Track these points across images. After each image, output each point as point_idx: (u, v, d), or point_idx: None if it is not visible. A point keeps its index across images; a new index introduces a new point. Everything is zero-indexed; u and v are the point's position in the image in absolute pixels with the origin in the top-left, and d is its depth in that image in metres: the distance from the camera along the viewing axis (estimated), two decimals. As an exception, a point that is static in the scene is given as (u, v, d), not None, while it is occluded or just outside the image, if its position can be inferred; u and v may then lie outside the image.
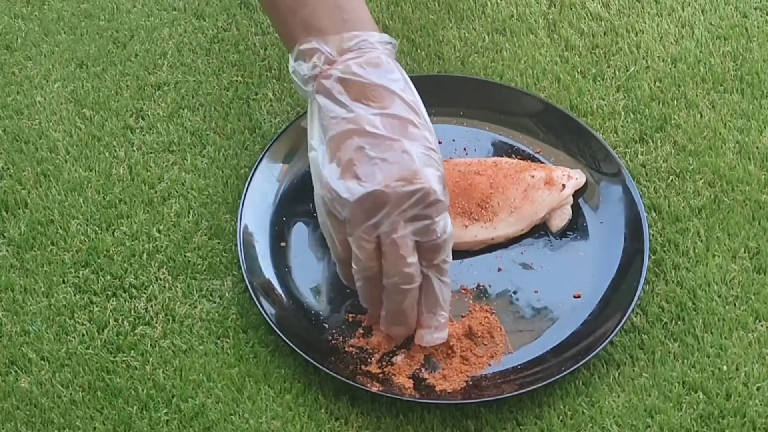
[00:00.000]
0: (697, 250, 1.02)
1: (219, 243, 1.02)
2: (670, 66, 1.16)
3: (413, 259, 0.89)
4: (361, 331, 0.96)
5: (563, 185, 1.03)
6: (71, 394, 0.92)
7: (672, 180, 1.07)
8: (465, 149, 1.08)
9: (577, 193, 1.05)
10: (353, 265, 0.91)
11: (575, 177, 1.04)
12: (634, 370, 0.95)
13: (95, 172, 1.07)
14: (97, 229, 1.03)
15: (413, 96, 0.93)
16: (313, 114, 0.94)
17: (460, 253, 1.01)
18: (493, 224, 1.01)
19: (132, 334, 0.96)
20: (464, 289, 0.99)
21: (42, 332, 0.96)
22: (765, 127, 1.11)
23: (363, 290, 0.93)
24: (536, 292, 0.99)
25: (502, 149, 1.08)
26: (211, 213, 1.04)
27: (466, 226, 1.00)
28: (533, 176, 1.02)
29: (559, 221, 1.03)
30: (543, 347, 0.96)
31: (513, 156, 1.08)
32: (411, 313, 0.92)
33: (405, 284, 0.89)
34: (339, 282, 0.99)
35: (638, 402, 0.93)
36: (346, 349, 0.95)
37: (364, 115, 0.90)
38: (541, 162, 1.07)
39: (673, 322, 0.98)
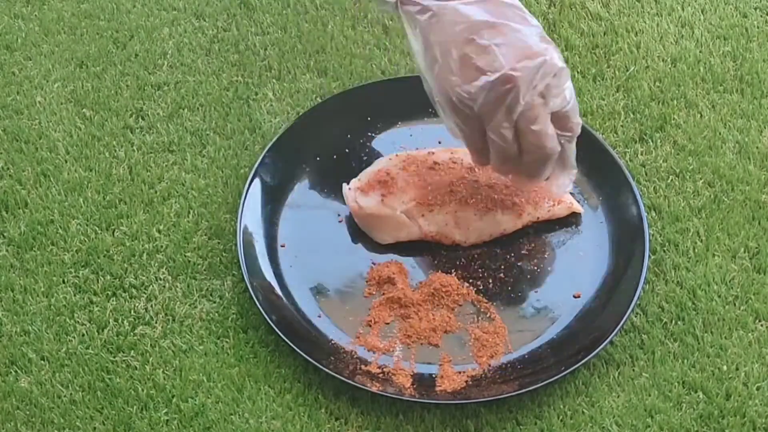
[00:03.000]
0: (697, 250, 1.02)
1: (219, 243, 1.02)
2: (670, 66, 1.16)
3: (552, 132, 0.91)
4: (361, 331, 0.96)
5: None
6: (71, 394, 0.92)
7: (672, 180, 1.07)
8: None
9: (579, 190, 1.05)
10: (493, 152, 0.93)
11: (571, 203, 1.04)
12: (634, 370, 0.95)
13: (95, 172, 1.07)
14: (97, 229, 1.03)
15: None
16: (406, 29, 0.93)
17: (461, 253, 1.01)
18: (502, 217, 1.01)
19: (132, 334, 0.96)
20: (467, 288, 0.99)
21: (42, 332, 0.96)
22: (765, 127, 1.11)
23: (501, 167, 0.95)
24: (536, 292, 0.99)
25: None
26: (211, 213, 1.04)
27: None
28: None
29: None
30: (543, 347, 0.96)
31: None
32: (548, 173, 0.96)
33: (547, 157, 0.92)
34: (339, 282, 0.99)
35: (638, 402, 0.93)
36: (346, 349, 0.95)
37: (458, 6, 0.89)
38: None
39: (673, 322, 0.98)
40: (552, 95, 0.90)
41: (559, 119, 0.92)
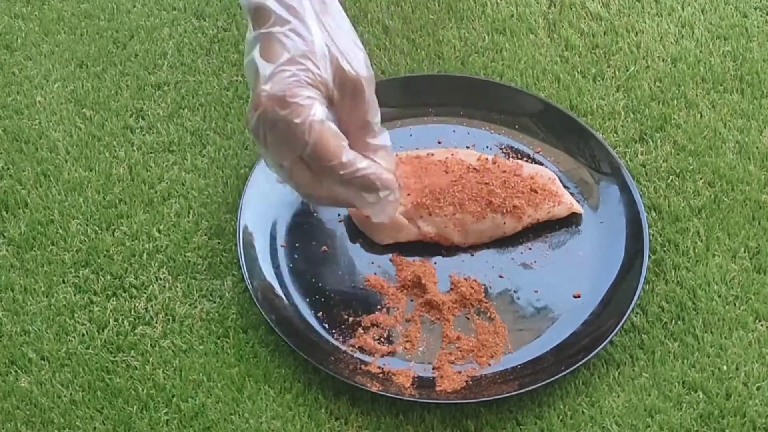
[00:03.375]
0: (697, 250, 1.02)
1: (219, 243, 1.02)
2: (670, 66, 1.16)
3: (308, 174, 0.90)
4: (361, 331, 0.96)
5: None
6: (71, 394, 0.92)
7: (672, 180, 1.07)
8: (467, 148, 1.08)
9: (579, 190, 1.05)
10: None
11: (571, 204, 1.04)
12: (634, 370, 0.95)
13: (95, 172, 1.07)
14: (97, 229, 1.03)
15: None
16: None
17: (461, 252, 1.01)
18: (504, 220, 1.01)
19: (132, 334, 0.96)
20: (471, 287, 0.99)
21: (42, 332, 0.96)
22: (765, 127, 1.11)
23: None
24: (536, 292, 0.99)
25: (502, 149, 1.08)
26: (211, 213, 1.04)
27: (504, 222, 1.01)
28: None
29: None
30: (543, 347, 0.96)
31: (513, 156, 1.08)
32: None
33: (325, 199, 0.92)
34: (339, 282, 0.99)
35: (638, 402, 0.93)
36: (346, 349, 0.95)
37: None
38: (543, 162, 1.07)
39: (673, 322, 0.98)
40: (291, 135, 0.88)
41: (313, 161, 0.90)
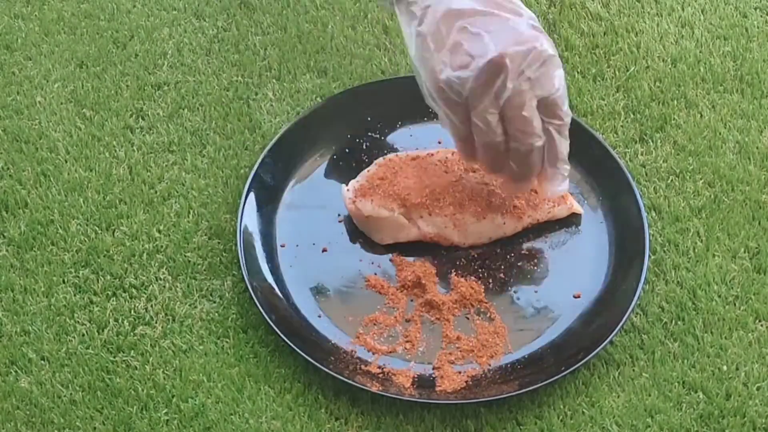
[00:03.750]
0: (697, 250, 1.02)
1: (219, 243, 1.02)
2: (670, 66, 1.16)
3: (537, 119, 0.91)
4: (361, 331, 0.96)
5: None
6: (71, 394, 0.92)
7: (672, 180, 1.07)
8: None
9: (579, 190, 1.05)
10: (478, 142, 0.93)
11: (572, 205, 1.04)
12: (634, 370, 0.95)
13: (95, 172, 1.07)
14: (97, 229, 1.03)
15: None
16: (401, 22, 0.95)
17: (461, 252, 1.01)
18: (503, 220, 1.01)
19: (132, 334, 0.96)
20: (471, 287, 0.99)
21: (42, 332, 0.96)
22: (765, 127, 1.11)
23: (487, 160, 0.95)
24: (536, 291, 0.99)
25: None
26: (211, 213, 1.04)
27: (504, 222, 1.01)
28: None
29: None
30: (543, 347, 0.96)
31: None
32: (536, 169, 0.95)
33: (532, 146, 0.92)
34: (339, 282, 0.99)
35: (638, 402, 0.93)
36: (346, 349, 0.95)
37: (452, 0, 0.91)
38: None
39: (673, 322, 0.98)
40: (540, 82, 0.90)
41: (546, 107, 0.92)
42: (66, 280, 0.99)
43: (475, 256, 1.01)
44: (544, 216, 1.02)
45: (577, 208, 1.03)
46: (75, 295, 0.98)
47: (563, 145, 0.94)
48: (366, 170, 1.03)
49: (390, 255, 1.01)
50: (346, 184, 1.02)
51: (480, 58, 0.89)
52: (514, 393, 0.91)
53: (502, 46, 0.89)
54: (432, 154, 1.04)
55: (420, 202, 1.00)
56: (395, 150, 1.07)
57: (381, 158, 1.04)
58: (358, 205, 1.00)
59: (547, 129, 0.93)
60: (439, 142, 1.08)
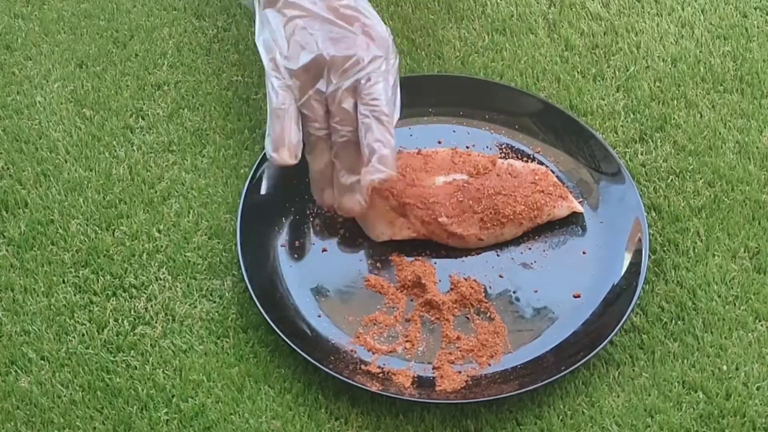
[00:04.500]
0: (697, 250, 1.02)
1: (219, 243, 1.02)
2: (670, 66, 1.16)
3: (352, 113, 0.96)
4: (361, 331, 0.96)
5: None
6: (71, 394, 0.92)
7: (672, 180, 1.07)
8: (467, 148, 1.08)
9: (579, 190, 1.05)
10: (307, 130, 0.97)
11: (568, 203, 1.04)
12: (634, 370, 0.95)
13: (95, 172, 1.07)
14: (97, 229, 1.03)
15: None
16: (259, 21, 1.01)
17: (461, 252, 1.01)
18: (502, 231, 1.01)
19: (132, 334, 0.96)
20: (471, 287, 0.99)
21: (42, 332, 0.96)
22: (765, 127, 1.11)
23: (314, 161, 0.98)
24: (536, 292, 0.99)
25: (501, 149, 1.08)
26: (211, 213, 1.04)
27: (480, 237, 1.01)
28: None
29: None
30: (543, 347, 0.96)
31: (512, 156, 1.08)
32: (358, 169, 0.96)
33: (348, 130, 0.96)
34: (339, 282, 0.99)
35: (638, 402, 0.93)
36: (346, 349, 0.95)
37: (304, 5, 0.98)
38: (543, 162, 1.07)
39: (673, 322, 0.98)
40: (360, 81, 0.95)
41: (363, 97, 0.95)
42: (66, 280, 0.99)
43: (475, 256, 1.01)
44: (545, 218, 1.02)
45: (578, 207, 1.03)
46: (75, 295, 0.98)
47: (381, 131, 0.95)
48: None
49: (390, 255, 1.01)
50: None
51: (309, 54, 0.96)
52: (514, 393, 0.91)
53: (328, 47, 0.96)
54: (430, 154, 1.04)
55: (411, 203, 1.00)
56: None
57: None
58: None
59: (364, 118, 0.95)
60: (439, 142, 1.08)
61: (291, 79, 0.96)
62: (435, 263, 1.00)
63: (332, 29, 0.97)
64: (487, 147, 1.09)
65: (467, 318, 0.98)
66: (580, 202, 1.04)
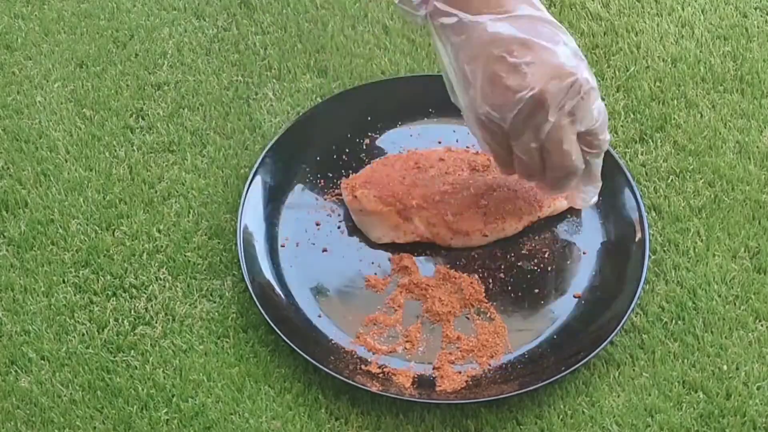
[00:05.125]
0: (697, 250, 1.02)
1: (219, 243, 1.02)
2: (670, 66, 1.16)
3: (577, 151, 0.92)
4: (361, 331, 0.96)
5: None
6: (71, 393, 0.92)
7: (672, 180, 1.07)
8: (467, 149, 1.08)
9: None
10: (518, 167, 0.94)
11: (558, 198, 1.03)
12: (634, 370, 0.95)
13: (95, 171, 1.07)
14: (97, 229, 1.03)
15: None
16: (435, 42, 0.92)
17: (461, 253, 1.01)
18: (504, 225, 1.01)
19: (132, 333, 0.96)
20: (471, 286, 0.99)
21: (42, 332, 0.96)
22: (765, 127, 1.11)
23: (525, 177, 0.96)
24: (536, 292, 0.99)
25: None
26: (211, 213, 1.04)
27: (483, 233, 1.01)
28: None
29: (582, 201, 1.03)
30: (543, 347, 0.96)
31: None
32: (572, 187, 0.97)
33: (571, 174, 0.93)
34: (339, 282, 0.99)
35: (638, 402, 0.93)
36: (346, 349, 0.95)
37: (490, 23, 0.88)
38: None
39: (673, 321, 0.98)
40: (580, 115, 0.89)
41: (585, 136, 0.91)
42: (66, 280, 0.99)
43: (476, 256, 1.01)
44: (545, 212, 1.02)
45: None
46: (75, 295, 0.98)
47: (598, 167, 0.96)
48: (366, 167, 1.03)
49: (390, 255, 1.01)
50: (347, 177, 1.03)
51: (520, 93, 0.87)
52: (514, 393, 0.91)
53: (541, 80, 0.87)
54: (421, 154, 1.04)
55: (417, 204, 1.00)
56: (396, 150, 1.07)
57: (381, 158, 1.05)
58: (356, 194, 1.00)
59: (586, 158, 0.93)
60: (439, 142, 1.08)
61: (504, 125, 0.90)
62: (435, 263, 1.00)
63: (533, 51, 0.88)
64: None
65: (467, 318, 0.98)
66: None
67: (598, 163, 0.95)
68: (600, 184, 0.98)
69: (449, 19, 0.90)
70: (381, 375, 0.93)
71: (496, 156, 0.95)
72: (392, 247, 1.01)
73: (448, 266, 1.00)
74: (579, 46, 1.17)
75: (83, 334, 0.96)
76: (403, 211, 1.00)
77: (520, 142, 0.90)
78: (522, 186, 1.02)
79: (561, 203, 1.03)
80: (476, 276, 1.00)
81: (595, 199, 1.00)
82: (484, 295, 0.99)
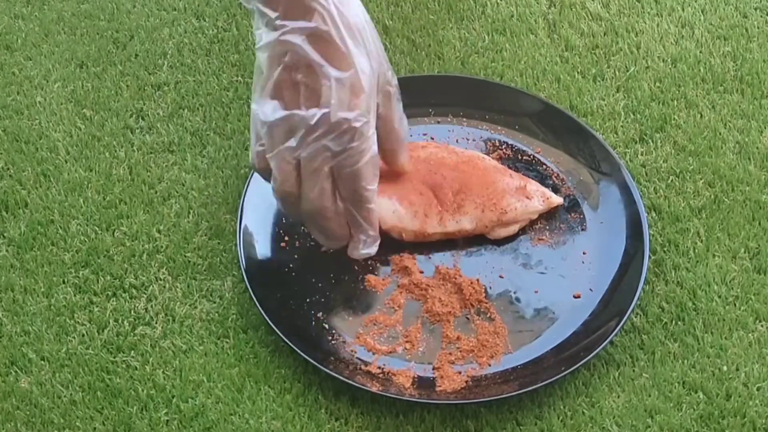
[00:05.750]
0: (697, 250, 1.02)
1: (219, 243, 1.02)
2: (670, 66, 1.16)
3: (327, 190, 0.90)
4: (361, 331, 0.96)
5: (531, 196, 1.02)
6: (71, 394, 0.92)
7: (672, 180, 1.07)
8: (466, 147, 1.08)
9: (579, 190, 1.05)
10: (272, 184, 0.92)
11: (549, 197, 1.03)
12: (634, 370, 0.95)
13: (95, 172, 1.07)
14: (97, 229, 1.03)
15: (354, 16, 0.90)
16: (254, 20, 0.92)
17: (461, 253, 1.01)
18: (456, 217, 1.01)
19: (132, 334, 0.96)
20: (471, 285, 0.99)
21: (42, 332, 0.96)
22: (765, 127, 1.11)
23: (284, 209, 0.95)
24: (536, 292, 0.99)
25: (502, 149, 1.08)
26: (211, 213, 1.04)
27: (427, 216, 1.00)
28: (506, 181, 1.02)
29: (501, 232, 1.02)
30: (543, 347, 0.96)
31: (512, 155, 1.08)
32: (335, 233, 0.94)
33: (319, 214, 0.92)
34: (339, 282, 0.99)
35: (638, 402, 0.93)
36: (346, 349, 0.95)
37: (295, 34, 0.88)
38: (543, 162, 1.07)
39: (673, 322, 0.98)
40: (338, 152, 0.89)
41: (344, 179, 0.90)
42: (66, 280, 0.99)
43: (476, 256, 1.01)
44: (519, 215, 1.02)
45: (556, 200, 1.03)
46: (75, 295, 0.98)
47: (368, 217, 0.92)
48: None
49: (390, 255, 1.01)
50: None
51: (284, 111, 0.88)
52: (514, 393, 0.91)
53: (307, 105, 0.88)
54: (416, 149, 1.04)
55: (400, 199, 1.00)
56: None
57: None
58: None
59: (345, 204, 0.92)
60: (432, 138, 1.08)
61: (263, 130, 0.90)
62: (435, 264, 1.01)
63: (315, 73, 0.88)
64: (487, 147, 1.09)
65: (467, 318, 0.98)
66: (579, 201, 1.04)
67: (362, 213, 0.92)
68: (372, 233, 0.94)
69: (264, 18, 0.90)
70: (381, 375, 0.93)
71: (257, 161, 0.93)
72: (393, 248, 1.01)
73: (448, 266, 1.00)
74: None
75: (83, 335, 0.96)
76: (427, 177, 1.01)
77: (276, 154, 0.90)
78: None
79: (533, 205, 1.02)
80: (476, 276, 1.00)
81: (372, 250, 0.95)
82: (484, 295, 0.99)
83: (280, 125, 0.89)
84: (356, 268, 1.00)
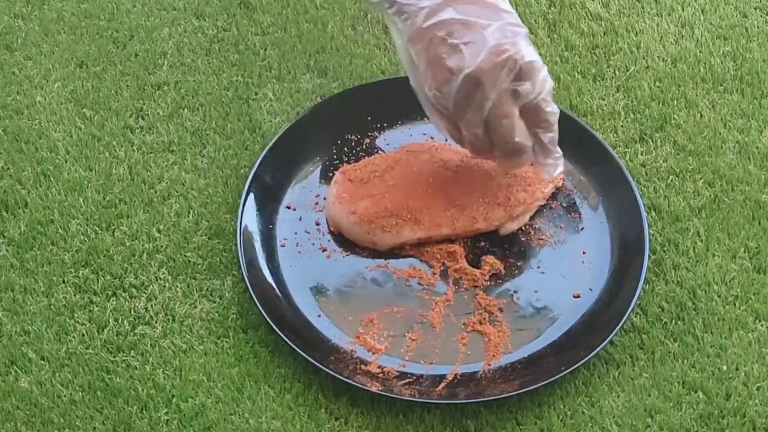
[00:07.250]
0: (697, 250, 1.02)
1: (219, 243, 1.02)
2: (670, 66, 1.16)
3: (521, 127, 0.93)
4: (361, 331, 0.96)
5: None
6: (71, 394, 0.92)
7: (672, 180, 1.07)
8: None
9: (579, 190, 1.05)
10: (468, 147, 0.96)
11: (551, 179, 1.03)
12: (634, 370, 0.95)
13: (95, 172, 1.07)
14: (97, 229, 1.03)
15: None
16: (390, 27, 0.96)
17: (461, 252, 1.01)
18: (463, 217, 1.01)
19: (132, 334, 0.96)
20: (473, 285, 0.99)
21: (42, 332, 0.96)
22: (765, 127, 1.11)
23: (479, 157, 1.00)
24: (536, 292, 0.99)
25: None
26: (211, 213, 1.04)
27: (433, 218, 1.00)
28: (507, 175, 1.03)
29: (512, 226, 1.02)
30: (543, 347, 0.96)
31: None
32: (527, 162, 0.97)
33: (517, 150, 0.94)
34: (339, 282, 0.99)
35: (638, 402, 0.93)
36: (346, 349, 0.95)
37: (433, 6, 0.92)
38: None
39: (673, 322, 0.98)
40: (519, 90, 0.91)
41: (529, 112, 0.93)
42: (66, 280, 0.99)
43: (476, 256, 1.01)
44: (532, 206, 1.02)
45: (558, 177, 1.03)
46: (75, 295, 0.98)
47: (552, 140, 0.96)
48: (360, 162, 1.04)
49: (390, 255, 1.01)
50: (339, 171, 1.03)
51: (458, 74, 0.90)
52: (514, 393, 0.91)
53: (478, 58, 0.90)
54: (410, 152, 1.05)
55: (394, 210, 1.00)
56: (396, 150, 1.07)
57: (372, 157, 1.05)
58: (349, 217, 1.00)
59: (534, 132, 0.94)
60: (432, 138, 1.08)
61: (448, 106, 0.93)
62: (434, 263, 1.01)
63: (472, 30, 0.91)
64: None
65: (472, 318, 0.98)
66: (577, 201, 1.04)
67: (550, 136, 0.95)
68: (559, 155, 0.97)
69: (393, 7, 0.94)
70: (381, 375, 0.93)
71: (452, 136, 0.97)
72: (393, 251, 1.01)
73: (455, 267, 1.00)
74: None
75: (83, 335, 0.96)
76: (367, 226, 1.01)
77: (465, 121, 0.93)
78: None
79: (519, 220, 1.03)
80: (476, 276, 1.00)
81: (560, 170, 0.98)
82: (483, 294, 0.99)
83: (460, 91, 0.90)
84: (356, 267, 1.00)
